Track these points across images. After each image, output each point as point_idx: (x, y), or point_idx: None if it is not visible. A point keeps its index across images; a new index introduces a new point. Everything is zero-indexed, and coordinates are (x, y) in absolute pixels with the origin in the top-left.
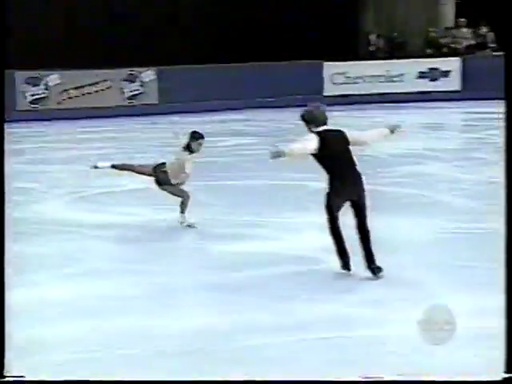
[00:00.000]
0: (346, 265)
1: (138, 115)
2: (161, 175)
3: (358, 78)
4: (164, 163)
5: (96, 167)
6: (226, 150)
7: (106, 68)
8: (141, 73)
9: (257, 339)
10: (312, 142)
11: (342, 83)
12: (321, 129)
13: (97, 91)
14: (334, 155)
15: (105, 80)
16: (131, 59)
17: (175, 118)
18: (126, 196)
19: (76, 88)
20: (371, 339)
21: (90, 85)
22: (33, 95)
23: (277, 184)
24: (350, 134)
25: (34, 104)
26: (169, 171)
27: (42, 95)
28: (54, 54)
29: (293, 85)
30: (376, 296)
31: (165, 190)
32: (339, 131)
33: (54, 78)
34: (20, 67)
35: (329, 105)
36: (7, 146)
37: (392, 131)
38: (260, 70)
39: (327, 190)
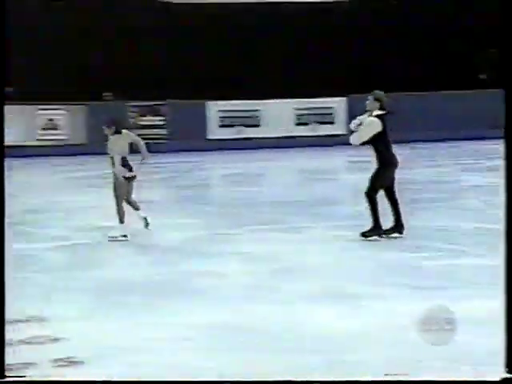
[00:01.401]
0: (381, 231)
1: None
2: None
3: None
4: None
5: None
6: None
7: None
8: None
9: None
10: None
11: None
12: (380, 112)
13: None
14: (386, 133)
15: None
16: None
17: None
18: None
19: None
20: None
21: None
22: None
23: None
24: None
25: None
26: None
27: None
28: None
29: None
30: None
31: (128, 186)
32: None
33: None
34: None
35: None
36: None
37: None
38: None
39: (383, 163)
